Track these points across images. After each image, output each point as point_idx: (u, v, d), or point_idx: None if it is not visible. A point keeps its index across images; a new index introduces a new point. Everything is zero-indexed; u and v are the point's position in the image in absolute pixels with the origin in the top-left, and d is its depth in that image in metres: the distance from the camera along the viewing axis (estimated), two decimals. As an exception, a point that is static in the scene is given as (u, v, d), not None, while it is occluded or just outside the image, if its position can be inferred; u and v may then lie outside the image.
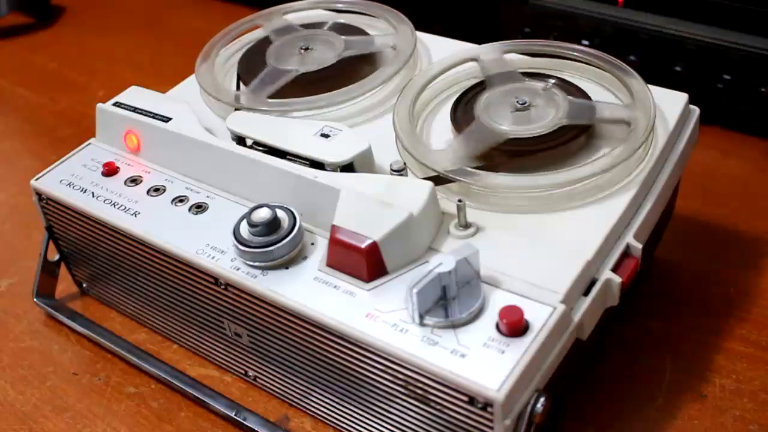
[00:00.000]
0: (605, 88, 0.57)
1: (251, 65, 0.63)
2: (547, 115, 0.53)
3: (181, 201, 0.54)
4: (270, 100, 0.58)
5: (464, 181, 0.50)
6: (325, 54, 0.62)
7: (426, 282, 0.42)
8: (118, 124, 0.59)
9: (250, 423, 0.52)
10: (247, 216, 0.49)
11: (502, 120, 0.53)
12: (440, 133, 0.56)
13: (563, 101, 0.54)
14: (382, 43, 0.63)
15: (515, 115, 0.54)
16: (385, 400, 0.46)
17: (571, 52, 0.58)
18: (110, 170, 0.57)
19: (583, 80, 0.58)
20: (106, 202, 0.55)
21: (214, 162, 0.54)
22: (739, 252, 0.62)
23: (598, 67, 0.57)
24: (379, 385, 0.46)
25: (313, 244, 0.50)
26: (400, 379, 0.44)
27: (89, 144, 0.60)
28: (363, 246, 0.46)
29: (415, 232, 0.47)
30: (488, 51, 0.59)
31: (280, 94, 0.59)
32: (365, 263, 0.46)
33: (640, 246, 0.48)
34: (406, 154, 0.53)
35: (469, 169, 0.51)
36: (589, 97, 0.55)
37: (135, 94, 0.60)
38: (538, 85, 0.56)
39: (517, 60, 0.60)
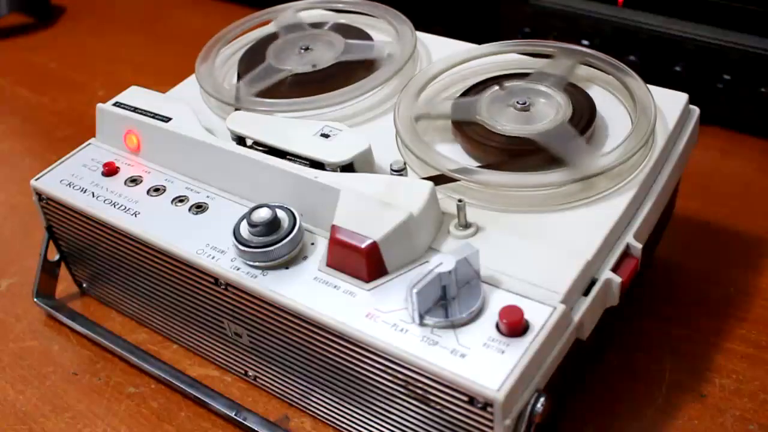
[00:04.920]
0: (605, 89, 0.57)
1: (252, 63, 0.63)
2: (549, 106, 0.53)
3: (181, 201, 0.54)
4: (271, 100, 0.58)
5: (465, 179, 0.50)
6: (324, 56, 0.62)
7: (426, 282, 0.42)
8: (118, 124, 0.59)
9: (250, 423, 0.52)
10: (247, 216, 0.49)
11: (505, 120, 0.53)
12: (440, 132, 0.56)
13: (562, 99, 0.54)
14: (380, 51, 0.62)
15: (517, 115, 0.54)
16: (385, 400, 0.46)
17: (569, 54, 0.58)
18: (110, 170, 0.57)
19: (582, 81, 0.58)
20: (106, 202, 0.55)
21: (214, 162, 0.54)
22: (739, 252, 0.62)
23: (598, 68, 0.57)
24: (379, 385, 0.46)
25: (313, 244, 0.50)
26: (400, 379, 0.44)
27: (89, 144, 0.60)
28: (363, 246, 0.46)
29: (415, 232, 0.47)
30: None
31: (279, 93, 0.59)
32: (365, 263, 0.46)
33: (640, 246, 0.48)
34: (407, 152, 0.53)
35: (471, 167, 0.51)
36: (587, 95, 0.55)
37: (135, 94, 0.60)
38: (539, 86, 0.56)
39: (517, 60, 0.60)
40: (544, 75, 0.56)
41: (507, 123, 0.53)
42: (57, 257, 0.62)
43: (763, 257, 0.61)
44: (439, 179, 0.50)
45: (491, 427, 0.41)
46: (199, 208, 0.53)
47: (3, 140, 0.85)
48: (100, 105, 0.60)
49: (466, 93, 0.57)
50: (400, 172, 0.51)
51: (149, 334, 0.60)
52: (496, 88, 0.56)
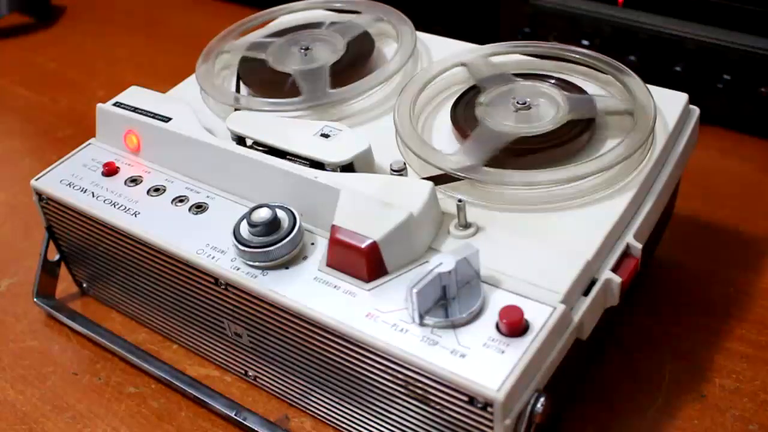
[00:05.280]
0: (605, 89, 0.57)
1: (252, 67, 0.63)
2: (549, 113, 0.53)
3: (181, 201, 0.54)
4: (271, 100, 0.58)
5: (465, 177, 0.50)
6: (328, 48, 0.62)
7: (426, 282, 0.42)
8: (118, 124, 0.59)
9: (250, 423, 0.52)
10: (247, 216, 0.49)
11: (506, 120, 0.53)
12: (441, 132, 0.56)
13: (561, 98, 0.54)
14: (368, 21, 0.65)
15: (518, 115, 0.54)
16: (385, 400, 0.46)
17: (570, 54, 0.58)
18: (110, 170, 0.57)
19: (584, 81, 0.58)
20: (106, 202, 0.55)
21: (214, 162, 0.54)
22: (739, 252, 0.62)
23: (598, 69, 0.57)
24: (379, 385, 0.46)
25: (313, 244, 0.50)
26: (400, 379, 0.44)
27: (89, 144, 0.60)
28: (363, 246, 0.46)
29: (415, 232, 0.47)
30: (474, 55, 0.59)
31: (279, 93, 0.59)
32: (365, 263, 0.46)
33: (640, 246, 0.48)
34: (407, 152, 0.53)
35: (470, 165, 0.51)
36: (585, 92, 0.55)
37: (135, 94, 0.60)
38: (536, 84, 0.56)
39: (517, 61, 0.60)
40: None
41: (510, 123, 0.53)
42: (57, 257, 0.62)
43: (763, 257, 0.61)
44: (440, 179, 0.50)
45: (491, 427, 0.41)
46: (199, 208, 0.53)
47: (3, 140, 0.85)
48: (100, 105, 0.60)
49: (458, 101, 0.57)
50: (400, 172, 0.51)
51: (149, 334, 0.60)
52: (499, 88, 0.56)
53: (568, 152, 0.52)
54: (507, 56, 0.60)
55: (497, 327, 0.43)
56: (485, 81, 0.57)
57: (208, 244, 0.51)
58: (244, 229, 0.49)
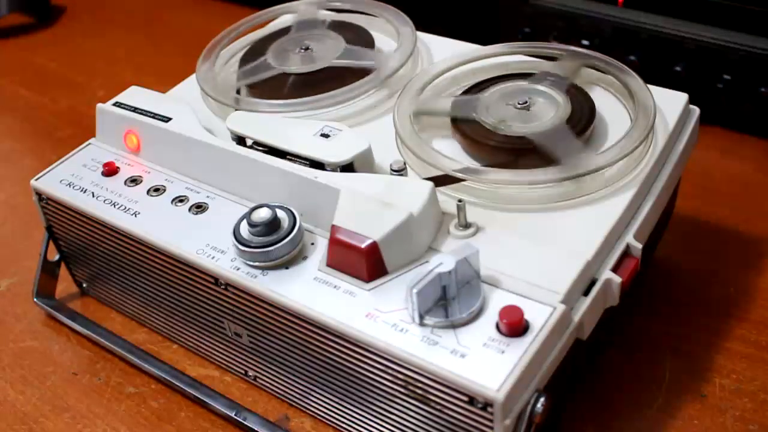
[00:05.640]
0: (605, 89, 0.57)
1: (253, 67, 0.63)
2: (547, 102, 0.54)
3: (181, 201, 0.54)
4: (271, 101, 0.58)
5: (466, 177, 0.50)
6: (327, 44, 0.63)
7: (426, 282, 0.42)
8: (118, 124, 0.59)
9: (250, 423, 0.52)
10: (247, 216, 0.49)
11: (527, 122, 0.53)
12: (440, 133, 0.56)
13: (538, 83, 0.55)
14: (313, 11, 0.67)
15: (528, 114, 0.54)
16: (385, 400, 0.46)
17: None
18: (110, 170, 0.57)
19: (583, 82, 0.58)
20: (106, 202, 0.55)
21: (214, 162, 0.54)
22: (739, 252, 0.62)
23: (598, 69, 0.57)
24: (379, 385, 0.46)
25: (313, 244, 0.50)
26: (400, 379, 0.44)
27: (89, 144, 0.60)
28: (363, 246, 0.46)
29: (415, 232, 0.47)
30: (411, 97, 0.57)
31: (279, 94, 0.59)
32: (365, 263, 0.46)
33: (640, 246, 0.48)
34: (407, 152, 0.53)
35: (471, 166, 0.51)
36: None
37: (135, 94, 0.60)
38: (506, 85, 0.56)
39: (519, 61, 0.60)
40: (547, 75, 0.56)
41: (506, 122, 0.53)
42: (57, 257, 0.62)
43: (763, 257, 0.61)
44: (440, 180, 0.50)
45: (491, 427, 0.41)
46: (199, 208, 0.53)
47: (3, 140, 0.85)
48: (100, 105, 0.60)
49: (467, 92, 0.57)
50: (400, 172, 0.51)
51: (149, 334, 0.60)
52: (497, 87, 0.56)
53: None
54: (511, 56, 0.60)
55: (497, 327, 0.43)
56: (455, 108, 0.55)
57: (208, 244, 0.51)
58: (244, 229, 0.49)
